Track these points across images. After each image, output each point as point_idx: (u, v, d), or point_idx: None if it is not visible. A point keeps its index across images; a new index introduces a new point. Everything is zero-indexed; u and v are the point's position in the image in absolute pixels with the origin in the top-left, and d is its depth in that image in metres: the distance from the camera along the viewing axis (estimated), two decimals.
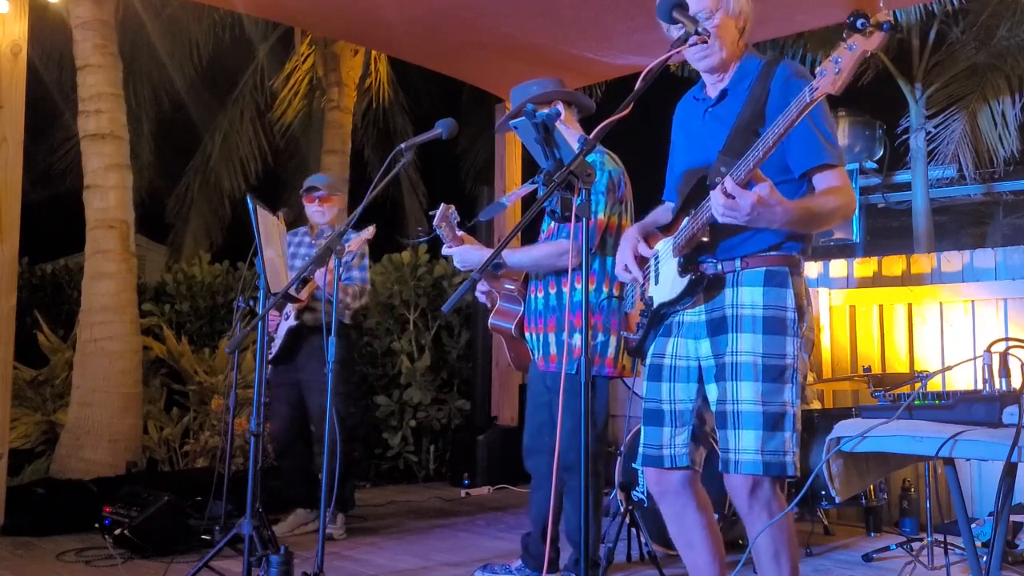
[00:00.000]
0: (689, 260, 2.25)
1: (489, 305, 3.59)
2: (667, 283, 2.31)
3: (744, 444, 2.15)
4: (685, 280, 2.23)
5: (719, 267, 2.25)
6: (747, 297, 2.21)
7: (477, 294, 3.62)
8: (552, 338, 3.28)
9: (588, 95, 11.00)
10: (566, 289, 3.25)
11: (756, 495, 2.16)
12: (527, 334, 3.42)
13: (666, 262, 2.33)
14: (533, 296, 3.38)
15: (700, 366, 2.29)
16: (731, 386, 2.18)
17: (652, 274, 2.39)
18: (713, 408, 2.25)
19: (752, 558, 2.24)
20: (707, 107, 2.35)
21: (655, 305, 2.35)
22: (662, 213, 2.56)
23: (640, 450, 2.38)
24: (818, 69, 1.83)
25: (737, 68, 2.31)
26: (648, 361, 2.40)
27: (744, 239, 2.22)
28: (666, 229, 2.38)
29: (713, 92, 2.35)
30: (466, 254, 3.27)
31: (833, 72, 1.80)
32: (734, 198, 1.96)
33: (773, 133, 1.92)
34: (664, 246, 2.35)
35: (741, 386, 2.17)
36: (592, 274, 3.21)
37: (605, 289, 3.24)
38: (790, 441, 2.16)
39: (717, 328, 2.24)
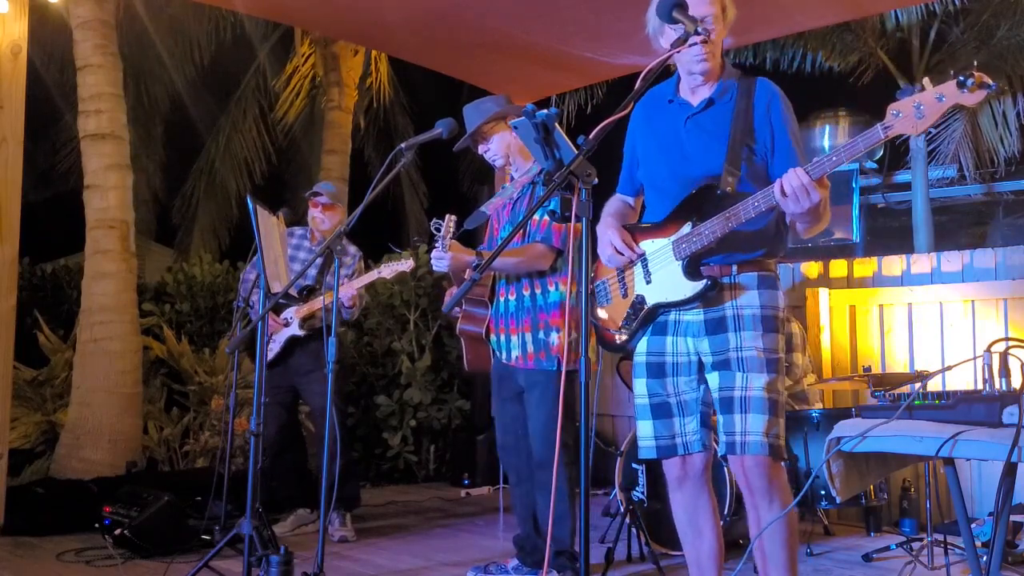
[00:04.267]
0: (693, 264, 2.34)
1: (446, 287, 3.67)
2: (668, 284, 2.38)
3: (752, 427, 2.28)
4: (699, 285, 2.33)
5: (718, 271, 2.36)
6: (745, 299, 2.36)
7: (434, 261, 3.36)
8: (528, 337, 3.36)
9: (588, 95, 10.93)
10: (539, 291, 3.37)
11: (777, 478, 2.31)
12: (492, 336, 3.50)
13: (663, 263, 2.39)
14: (503, 299, 3.46)
15: (700, 360, 2.40)
16: (739, 376, 2.31)
17: (641, 273, 2.44)
18: (715, 395, 2.36)
19: (754, 552, 2.34)
20: (689, 114, 2.42)
21: (650, 304, 2.41)
22: (622, 206, 2.64)
23: (650, 444, 2.44)
24: (893, 109, 1.94)
25: (720, 79, 2.42)
26: (645, 359, 2.47)
27: (742, 247, 2.35)
28: (651, 229, 2.43)
29: (695, 98, 2.43)
30: (456, 260, 3.32)
31: (915, 118, 1.92)
32: (807, 190, 2.11)
33: (831, 161, 2.09)
34: (654, 246, 2.41)
35: (750, 376, 2.31)
36: (563, 276, 3.35)
37: (577, 289, 3.29)
38: (783, 428, 2.34)
39: (716, 327, 2.36)
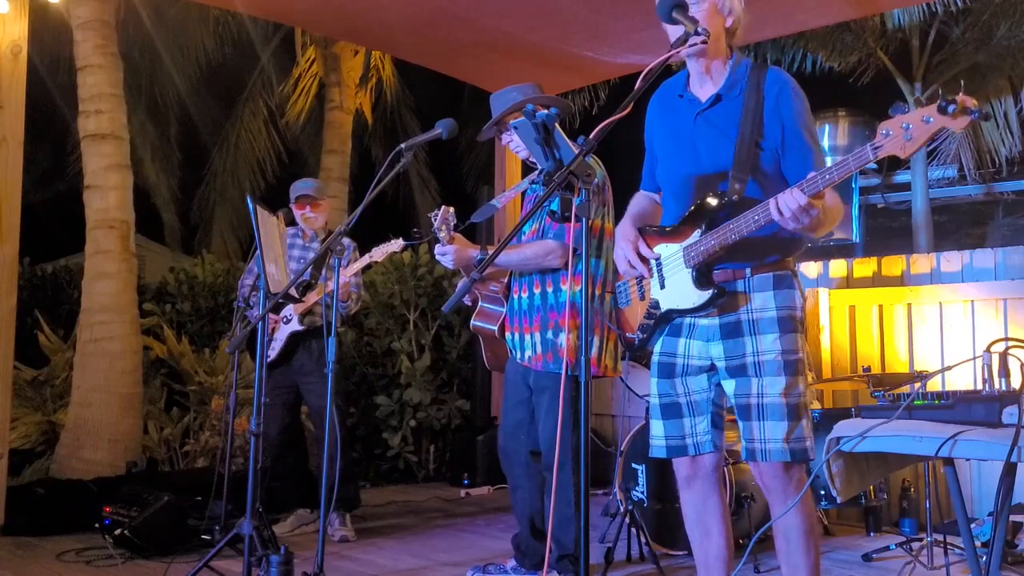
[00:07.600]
0: (704, 272, 2.31)
1: (469, 304, 3.60)
2: (680, 291, 2.35)
3: (771, 434, 2.25)
4: (707, 294, 2.29)
5: (732, 275, 2.32)
6: (760, 302, 2.31)
7: (438, 256, 3.51)
8: (538, 337, 3.30)
9: (590, 95, 10.92)
10: (550, 289, 3.29)
11: (792, 480, 2.27)
12: (508, 334, 3.43)
13: (675, 269, 2.36)
14: (516, 296, 3.40)
15: (713, 365, 2.37)
16: (756, 382, 2.28)
17: (656, 278, 2.42)
18: (732, 401, 2.33)
19: (777, 544, 2.32)
20: (699, 110, 2.38)
21: (664, 309, 2.39)
22: (647, 204, 2.60)
23: (660, 443, 2.43)
24: (883, 128, 1.90)
25: (728, 72, 2.35)
26: (657, 359, 2.45)
27: (754, 252, 2.31)
28: (666, 233, 2.40)
29: (703, 94, 2.38)
30: (459, 253, 3.28)
31: (903, 139, 1.88)
32: (805, 210, 2.06)
33: (825, 179, 2.04)
34: (668, 251, 2.38)
35: (767, 381, 2.27)
36: (577, 275, 3.23)
37: (589, 290, 3.23)
38: (807, 428, 2.28)
39: (732, 332, 2.32)
